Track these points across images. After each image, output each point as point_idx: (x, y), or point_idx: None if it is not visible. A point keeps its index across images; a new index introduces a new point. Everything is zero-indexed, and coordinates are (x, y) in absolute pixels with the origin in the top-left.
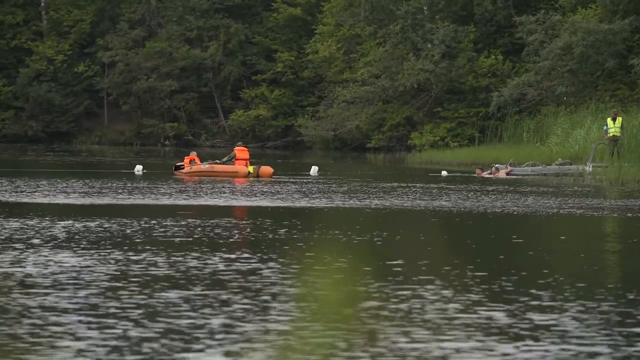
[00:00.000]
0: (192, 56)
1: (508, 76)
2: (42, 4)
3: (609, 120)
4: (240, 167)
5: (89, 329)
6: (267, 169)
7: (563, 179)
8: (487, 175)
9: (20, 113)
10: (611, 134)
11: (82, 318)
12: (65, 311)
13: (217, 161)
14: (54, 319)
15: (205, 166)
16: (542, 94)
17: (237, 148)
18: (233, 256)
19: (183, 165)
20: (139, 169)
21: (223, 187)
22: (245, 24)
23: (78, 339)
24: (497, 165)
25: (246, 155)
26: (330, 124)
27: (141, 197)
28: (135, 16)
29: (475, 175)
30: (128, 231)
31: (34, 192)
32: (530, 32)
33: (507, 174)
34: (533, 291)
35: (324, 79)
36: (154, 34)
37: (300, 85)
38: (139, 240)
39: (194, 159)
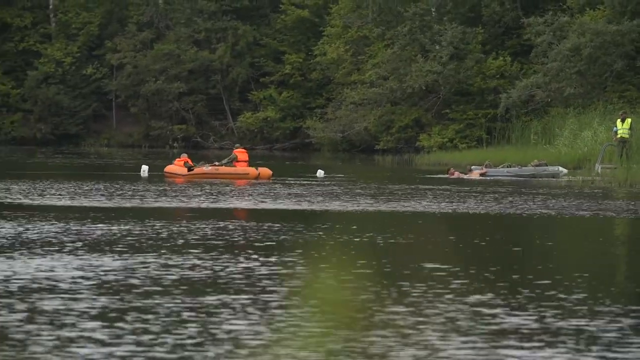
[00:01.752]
0: (200, 58)
1: (516, 78)
2: (51, 7)
3: (617, 121)
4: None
5: (131, 333)
6: (266, 171)
7: (572, 181)
8: (460, 176)
9: (28, 115)
10: (620, 136)
11: (120, 324)
12: (103, 315)
13: (216, 163)
14: (89, 324)
15: (207, 168)
16: (551, 96)
17: (237, 150)
18: (272, 259)
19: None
20: (144, 169)
21: (246, 190)
22: (253, 26)
23: (120, 344)
24: (472, 166)
25: (246, 157)
26: (338, 126)
27: (169, 200)
28: (143, 18)
29: (447, 175)
30: (164, 234)
31: (60, 195)
32: (539, 34)
33: (482, 175)
34: (565, 295)
35: (332, 81)
36: (162, 36)
37: (309, 87)
38: (175, 244)
39: (187, 161)
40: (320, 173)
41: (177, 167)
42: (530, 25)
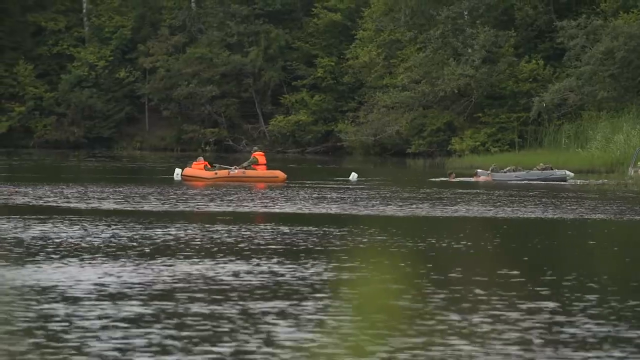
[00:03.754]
0: (233, 62)
1: (549, 81)
2: (84, 11)
3: None
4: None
5: (191, 342)
6: (281, 174)
7: (604, 185)
8: (461, 179)
9: (62, 119)
10: None
11: (186, 332)
12: (167, 322)
13: (236, 166)
14: (151, 329)
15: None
16: (584, 99)
17: (256, 153)
18: (336, 264)
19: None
20: (177, 172)
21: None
22: (286, 30)
23: (182, 350)
24: (479, 170)
25: (264, 159)
26: (370, 129)
27: (222, 203)
28: (176, 22)
29: (448, 178)
30: (224, 239)
31: (114, 199)
32: (572, 37)
33: (487, 179)
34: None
35: (364, 84)
36: (195, 39)
37: (341, 90)
38: (235, 248)
39: (206, 164)
40: (353, 176)
41: (198, 170)
42: (564, 28)
